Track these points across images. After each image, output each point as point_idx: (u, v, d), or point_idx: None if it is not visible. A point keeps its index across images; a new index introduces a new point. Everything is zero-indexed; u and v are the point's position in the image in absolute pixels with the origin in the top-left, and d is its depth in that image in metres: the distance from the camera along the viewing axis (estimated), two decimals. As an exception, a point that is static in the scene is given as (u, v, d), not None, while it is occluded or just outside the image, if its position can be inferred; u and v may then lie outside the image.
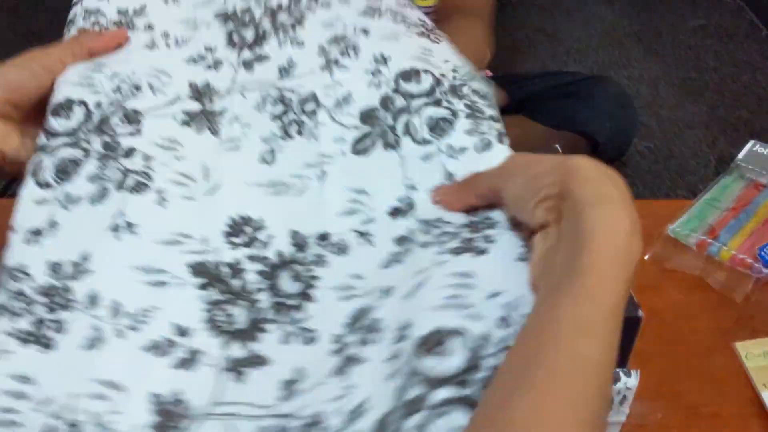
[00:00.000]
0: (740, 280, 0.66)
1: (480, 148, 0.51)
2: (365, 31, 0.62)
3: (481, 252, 0.43)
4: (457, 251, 0.44)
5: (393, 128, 0.54)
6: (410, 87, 0.56)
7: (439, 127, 0.53)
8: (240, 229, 0.50)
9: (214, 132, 0.55)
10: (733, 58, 1.18)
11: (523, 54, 0.89)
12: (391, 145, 0.53)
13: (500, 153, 0.49)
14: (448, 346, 0.39)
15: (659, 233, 0.70)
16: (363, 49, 0.60)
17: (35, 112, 0.52)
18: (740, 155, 0.79)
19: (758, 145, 0.80)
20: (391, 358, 0.40)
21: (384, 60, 0.59)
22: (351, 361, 0.41)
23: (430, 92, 0.55)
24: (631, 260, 0.34)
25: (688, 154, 0.98)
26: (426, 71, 0.56)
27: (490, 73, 1.05)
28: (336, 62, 0.59)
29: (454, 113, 0.53)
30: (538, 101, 0.76)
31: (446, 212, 0.48)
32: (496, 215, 0.45)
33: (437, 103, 0.54)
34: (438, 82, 0.55)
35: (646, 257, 0.68)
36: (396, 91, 0.56)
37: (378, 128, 0.54)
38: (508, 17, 0.98)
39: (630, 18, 1.33)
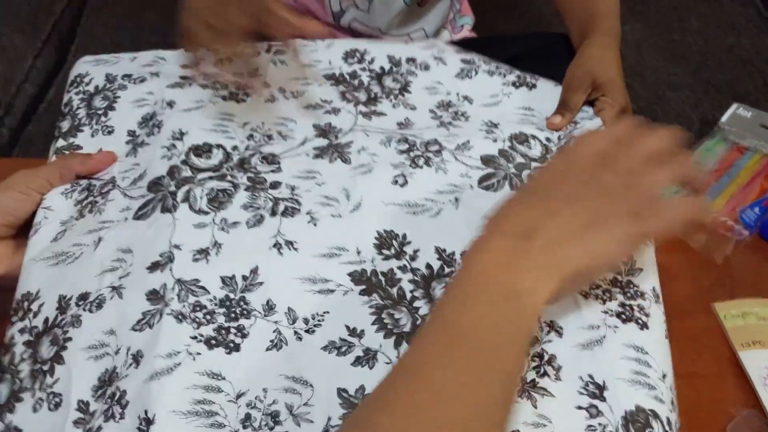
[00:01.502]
0: (721, 241, 0.66)
1: None
2: (468, 99, 0.69)
3: (644, 326, 0.50)
4: (622, 317, 0.51)
5: (518, 176, 0.60)
6: (524, 149, 0.62)
7: None
8: (388, 242, 0.55)
9: (345, 161, 0.61)
10: (717, 21, 1.18)
11: (505, 15, 0.87)
12: (517, 188, 0.58)
13: None
14: (652, 428, 0.47)
15: (642, 195, 0.69)
16: (472, 114, 0.68)
17: (24, 226, 0.56)
18: (723, 118, 0.78)
19: (741, 108, 0.79)
20: (579, 407, 0.47)
21: (495, 125, 0.66)
22: (536, 389, 0.47)
23: (541, 158, 0.62)
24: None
25: (671, 115, 0.98)
26: (534, 137, 0.64)
27: (474, 35, 1.04)
28: (450, 123, 0.67)
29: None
30: (521, 62, 0.75)
31: None
32: (643, 284, 0.53)
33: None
34: (546, 149, 0.63)
35: (628, 218, 0.67)
36: (512, 148, 0.63)
37: (501, 171, 0.60)
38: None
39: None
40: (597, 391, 0.48)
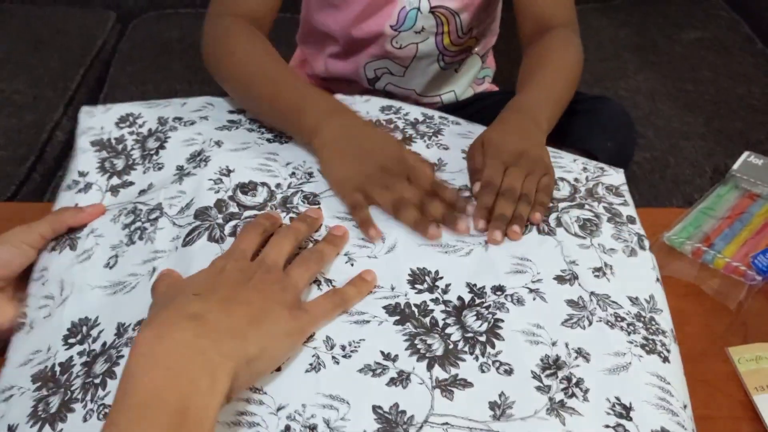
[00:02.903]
0: (734, 287, 0.67)
1: (627, 254, 0.61)
2: None
3: (666, 360, 0.54)
4: (645, 349, 0.54)
5: (546, 221, 0.63)
6: (555, 193, 0.65)
7: (587, 228, 0.63)
8: (421, 278, 0.58)
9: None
10: (729, 71, 1.20)
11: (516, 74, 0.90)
12: (547, 233, 0.62)
13: (645, 260, 0.61)
14: None
15: (655, 241, 0.71)
16: None
17: (18, 279, 0.60)
18: (735, 166, 0.80)
19: (753, 156, 0.81)
20: (607, 426, 0.49)
21: None
22: (564, 408, 0.49)
23: (571, 197, 0.66)
24: None
25: (684, 164, 0.99)
26: (562, 179, 0.68)
27: (496, 88, 1.07)
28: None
29: (597, 216, 0.64)
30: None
31: (612, 289, 0.58)
32: (663, 323, 0.56)
33: (580, 206, 0.64)
34: (575, 189, 0.67)
35: (642, 264, 0.69)
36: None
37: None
38: (508, 28, 0.99)
39: (627, 30, 1.34)
40: (624, 411, 0.50)
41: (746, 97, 1.13)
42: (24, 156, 1.06)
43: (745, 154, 0.82)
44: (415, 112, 0.78)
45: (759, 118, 1.07)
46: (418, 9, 0.88)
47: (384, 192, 0.62)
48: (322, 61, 0.98)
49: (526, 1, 0.87)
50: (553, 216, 0.63)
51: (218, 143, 0.70)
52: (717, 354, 0.61)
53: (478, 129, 0.75)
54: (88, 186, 0.68)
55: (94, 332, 0.55)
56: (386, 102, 0.79)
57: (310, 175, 0.67)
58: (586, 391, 0.50)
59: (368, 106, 0.78)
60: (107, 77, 1.26)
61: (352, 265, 0.58)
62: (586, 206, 0.65)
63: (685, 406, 0.52)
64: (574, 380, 0.51)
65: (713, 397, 0.58)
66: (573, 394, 0.50)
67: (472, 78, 1.02)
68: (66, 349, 0.55)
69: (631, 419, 0.49)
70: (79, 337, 0.55)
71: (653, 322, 0.56)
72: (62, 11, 1.41)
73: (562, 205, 0.65)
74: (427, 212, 0.61)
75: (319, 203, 0.64)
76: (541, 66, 0.78)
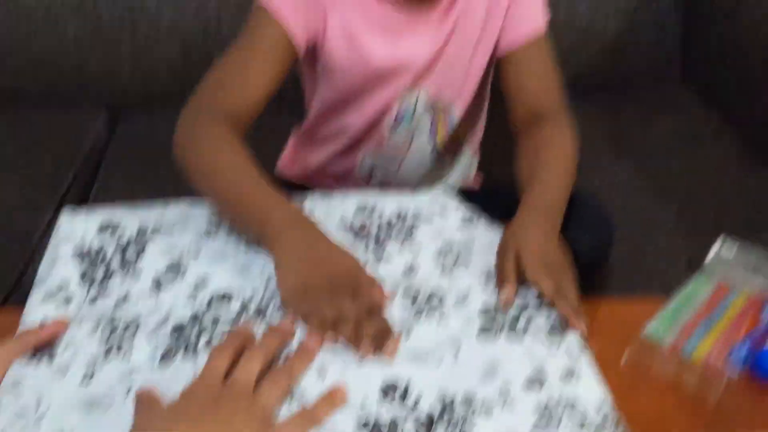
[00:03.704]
0: (712, 381, 0.68)
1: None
2: (468, 247, 0.75)
3: None
4: None
5: (514, 327, 0.66)
6: (518, 300, 0.68)
7: (556, 331, 0.66)
8: (392, 392, 0.59)
9: None
10: (701, 161, 1.24)
11: (501, 161, 0.93)
12: (516, 338, 0.65)
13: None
14: None
15: (634, 335, 0.72)
16: (472, 261, 0.74)
17: None
18: (708, 258, 0.82)
19: (726, 247, 0.84)
20: None
21: (493, 274, 0.71)
22: None
23: (539, 303, 0.69)
24: None
25: (660, 255, 1.01)
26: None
27: (479, 177, 1.10)
28: (451, 271, 0.72)
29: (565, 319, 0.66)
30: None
31: (581, 394, 0.60)
32: None
33: (549, 308, 0.68)
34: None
35: (622, 361, 0.70)
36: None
37: (498, 322, 0.67)
38: (496, 120, 1.03)
39: (601, 122, 1.39)
40: None
41: (717, 187, 1.16)
42: (13, 263, 1.07)
43: (718, 245, 0.84)
44: (390, 208, 0.80)
45: (730, 209, 1.10)
46: (416, 105, 0.92)
47: (326, 305, 0.64)
48: (319, 156, 1.01)
49: (518, 89, 0.91)
50: (522, 321, 0.66)
51: (195, 254, 0.73)
52: (700, 450, 0.61)
53: (449, 223, 0.78)
54: (68, 299, 0.69)
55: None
56: (362, 200, 0.81)
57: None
58: None
59: (344, 207, 0.81)
60: (97, 177, 1.29)
61: (323, 379, 0.60)
62: (552, 313, 0.68)
63: None
64: None
65: (698, 494, 0.58)
66: None
67: (464, 172, 1.06)
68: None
69: None
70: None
71: (621, 423, 0.58)
72: (53, 111, 1.44)
73: (531, 310, 0.67)
74: (360, 332, 0.63)
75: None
76: (548, 161, 0.83)
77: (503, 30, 0.90)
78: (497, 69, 0.94)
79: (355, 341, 0.62)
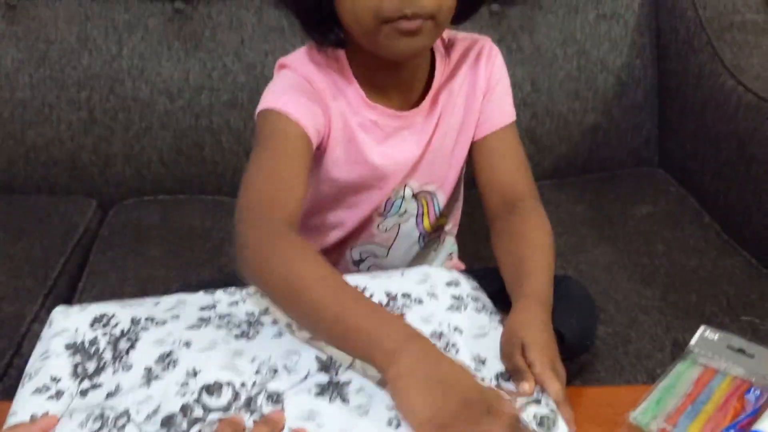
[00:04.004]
0: (701, 466, 0.69)
1: None
2: (459, 330, 0.76)
3: None
4: None
5: None
6: (509, 386, 0.69)
7: (545, 424, 0.66)
8: None
9: (344, 400, 0.66)
10: (681, 244, 1.26)
11: (485, 242, 0.95)
12: None
13: None
14: None
15: (622, 421, 0.73)
16: (462, 347, 0.74)
17: None
18: (692, 341, 0.84)
19: (708, 331, 0.85)
20: None
21: (482, 361, 0.73)
22: None
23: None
24: None
25: (644, 338, 1.03)
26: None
27: (462, 266, 1.12)
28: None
29: (554, 411, 0.67)
30: (506, 296, 0.83)
31: None
32: None
33: (537, 402, 0.67)
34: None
35: (610, 448, 0.71)
36: (498, 386, 0.69)
37: None
38: (471, 201, 1.06)
39: (583, 205, 1.42)
40: None
41: (698, 269, 1.19)
42: (1, 352, 1.06)
43: (701, 329, 0.86)
44: (379, 293, 0.82)
45: (711, 291, 1.12)
46: (403, 196, 0.95)
47: (472, 430, 0.60)
48: None
49: (491, 172, 0.95)
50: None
51: (187, 344, 0.73)
52: None
53: (438, 311, 0.79)
54: (60, 393, 0.69)
55: None
56: (351, 282, 0.82)
57: (275, 371, 0.70)
58: None
59: None
60: (87, 264, 1.30)
61: None
62: (543, 401, 0.68)
63: None
64: None
65: None
66: None
67: (448, 255, 1.08)
68: None
69: None
70: None
71: None
72: (44, 200, 1.46)
73: (520, 402, 0.68)
74: None
75: (282, 401, 0.66)
76: (534, 254, 0.85)
77: (479, 120, 0.95)
78: (470, 156, 0.98)
79: None
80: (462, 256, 1.12)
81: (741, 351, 0.82)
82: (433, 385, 0.63)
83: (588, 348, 0.91)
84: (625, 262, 1.22)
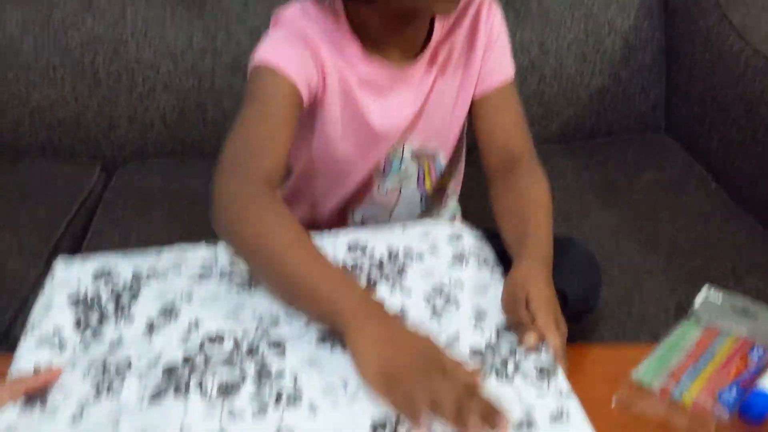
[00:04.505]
0: (702, 423, 0.69)
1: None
2: (460, 285, 0.77)
3: None
4: None
5: (504, 368, 0.67)
6: (510, 337, 0.70)
7: (545, 374, 0.66)
8: (383, 427, 0.60)
9: (345, 347, 0.66)
10: (686, 210, 1.26)
11: (488, 204, 0.95)
12: (505, 380, 0.66)
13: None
14: None
15: (625, 379, 0.73)
16: (462, 302, 0.75)
17: None
18: (696, 303, 0.84)
19: (712, 292, 0.85)
20: None
21: (483, 316, 0.73)
22: None
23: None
24: None
25: (648, 301, 1.03)
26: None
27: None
28: (441, 314, 0.73)
29: (554, 364, 0.67)
30: (505, 259, 0.83)
31: None
32: None
33: (537, 353, 0.67)
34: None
35: (613, 403, 0.71)
36: (498, 339, 0.70)
37: (488, 364, 0.67)
38: (476, 168, 1.06)
39: (589, 171, 1.42)
40: None
41: (703, 234, 1.18)
42: (4, 306, 1.07)
43: (705, 291, 0.86)
44: (380, 247, 0.81)
45: (716, 255, 1.12)
46: (402, 156, 0.94)
47: (421, 388, 0.60)
48: (304, 214, 1.02)
49: (491, 131, 0.94)
50: (511, 364, 0.67)
51: (189, 296, 0.74)
52: (691, 491, 0.62)
53: (439, 266, 0.79)
54: (63, 344, 0.70)
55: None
56: (353, 238, 0.83)
57: (276, 322, 0.70)
58: None
59: (335, 246, 0.82)
60: (90, 225, 1.30)
61: (315, 415, 0.61)
62: (543, 353, 0.69)
63: None
64: None
65: None
66: None
67: (451, 218, 1.08)
68: None
69: None
70: None
71: None
72: (49, 163, 1.46)
73: (519, 352, 0.68)
74: (465, 409, 0.58)
75: (284, 349, 0.67)
76: (535, 212, 0.85)
77: (479, 77, 0.94)
78: (470, 115, 0.97)
79: (458, 422, 0.58)
80: (465, 219, 1.12)
81: (745, 311, 0.82)
82: (387, 341, 0.65)
83: (592, 309, 0.91)
84: (630, 227, 1.21)
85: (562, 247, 0.82)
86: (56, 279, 0.78)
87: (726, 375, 0.74)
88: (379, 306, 0.69)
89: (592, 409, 0.64)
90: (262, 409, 0.61)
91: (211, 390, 0.62)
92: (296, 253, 0.70)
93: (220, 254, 0.81)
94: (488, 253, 0.83)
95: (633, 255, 1.13)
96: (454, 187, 1.06)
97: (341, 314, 0.66)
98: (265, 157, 0.79)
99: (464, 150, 1.04)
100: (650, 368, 0.75)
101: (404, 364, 0.62)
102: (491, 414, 0.58)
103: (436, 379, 0.60)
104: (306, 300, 0.70)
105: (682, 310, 0.88)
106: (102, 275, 0.78)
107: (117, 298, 0.75)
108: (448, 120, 0.96)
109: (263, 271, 0.74)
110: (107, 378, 0.65)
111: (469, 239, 0.84)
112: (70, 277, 0.77)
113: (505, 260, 0.82)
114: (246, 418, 0.61)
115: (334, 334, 0.69)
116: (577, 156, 1.47)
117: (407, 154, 0.95)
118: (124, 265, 0.79)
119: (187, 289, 0.75)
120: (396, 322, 0.68)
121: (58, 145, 1.49)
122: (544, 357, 0.67)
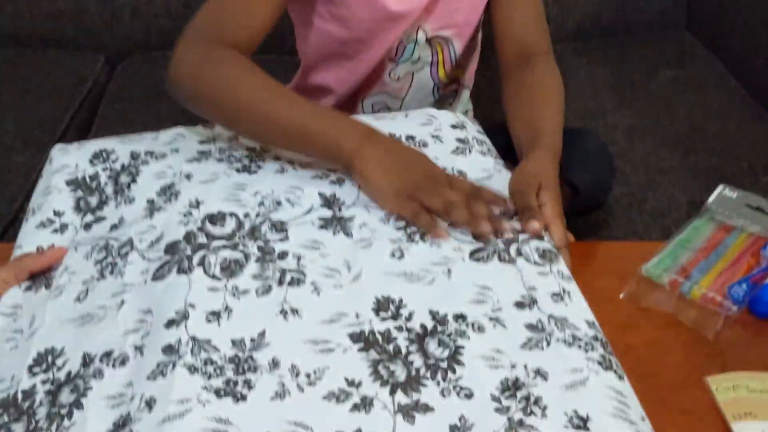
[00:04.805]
0: (711, 317, 0.69)
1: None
2: (462, 173, 0.76)
3: (621, 378, 0.56)
4: (602, 365, 0.56)
5: (506, 251, 0.66)
6: (512, 222, 0.69)
7: (547, 256, 0.65)
8: (385, 306, 0.60)
9: (348, 234, 0.67)
10: (704, 108, 1.23)
11: (499, 103, 0.93)
12: (508, 261, 0.65)
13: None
14: None
15: (634, 273, 0.73)
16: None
17: None
18: (710, 199, 0.82)
19: (727, 190, 0.84)
20: None
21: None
22: (522, 426, 0.51)
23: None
24: None
25: (661, 198, 1.01)
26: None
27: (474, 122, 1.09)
28: None
29: (557, 249, 0.67)
30: (510, 154, 0.81)
31: (570, 312, 0.60)
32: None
33: (540, 238, 0.67)
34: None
35: (621, 296, 0.71)
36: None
37: (491, 246, 0.66)
38: (489, 66, 1.02)
39: (605, 69, 1.38)
40: (581, 423, 0.51)
41: (720, 133, 1.16)
42: (12, 197, 1.07)
43: (720, 187, 0.84)
44: (400, 131, 0.80)
45: (733, 154, 1.10)
46: (416, 40, 0.91)
47: (433, 197, 0.67)
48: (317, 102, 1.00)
49: (506, 26, 0.92)
50: (513, 247, 0.66)
51: (188, 176, 0.73)
52: (696, 383, 0.62)
53: (442, 154, 0.78)
54: (64, 226, 0.69)
55: (59, 361, 0.57)
56: (372, 122, 0.81)
57: (278, 204, 0.69)
58: (545, 408, 0.52)
59: None
60: (95, 117, 1.28)
61: (318, 294, 0.61)
62: (546, 239, 0.68)
63: (643, 419, 0.54)
64: (532, 399, 0.53)
65: (693, 426, 0.59)
66: (531, 412, 0.52)
67: (463, 111, 1.05)
68: (30, 378, 0.56)
69: (588, 429, 0.51)
70: (43, 366, 0.56)
71: (609, 345, 0.59)
72: (52, 54, 1.43)
73: (522, 236, 0.67)
74: (475, 212, 0.66)
75: (287, 230, 0.66)
76: (547, 105, 0.83)
77: None
78: (487, 8, 0.93)
79: (471, 222, 0.66)
80: (476, 117, 1.10)
81: (759, 209, 0.80)
82: (396, 164, 0.70)
83: (602, 204, 0.90)
84: (645, 126, 1.19)
85: (574, 138, 0.80)
86: (54, 164, 0.77)
87: (737, 270, 0.73)
88: (375, 132, 0.72)
89: (601, 300, 0.64)
90: (266, 289, 0.61)
91: (215, 268, 0.62)
92: (285, 101, 0.73)
93: (219, 135, 0.79)
94: (489, 143, 0.82)
95: (647, 153, 1.11)
96: (468, 79, 1.03)
97: (343, 150, 0.70)
98: (236, 26, 0.78)
99: (479, 41, 1.00)
100: (660, 263, 0.74)
101: (414, 181, 0.68)
102: (497, 204, 0.68)
103: (445, 189, 0.67)
104: (307, 142, 0.72)
105: (695, 207, 0.87)
106: (99, 157, 0.76)
107: (116, 179, 0.74)
108: (466, 7, 0.92)
109: (247, 125, 0.74)
110: (110, 258, 0.64)
111: (472, 129, 0.83)
112: (68, 161, 0.76)
113: (507, 156, 0.81)
114: (250, 296, 0.60)
115: (338, 167, 0.72)
116: (594, 53, 1.42)
117: (421, 39, 0.92)
118: (121, 148, 0.78)
119: (186, 169, 0.74)
120: (396, 145, 0.73)
121: (60, 37, 1.45)
122: (547, 242, 0.67)
